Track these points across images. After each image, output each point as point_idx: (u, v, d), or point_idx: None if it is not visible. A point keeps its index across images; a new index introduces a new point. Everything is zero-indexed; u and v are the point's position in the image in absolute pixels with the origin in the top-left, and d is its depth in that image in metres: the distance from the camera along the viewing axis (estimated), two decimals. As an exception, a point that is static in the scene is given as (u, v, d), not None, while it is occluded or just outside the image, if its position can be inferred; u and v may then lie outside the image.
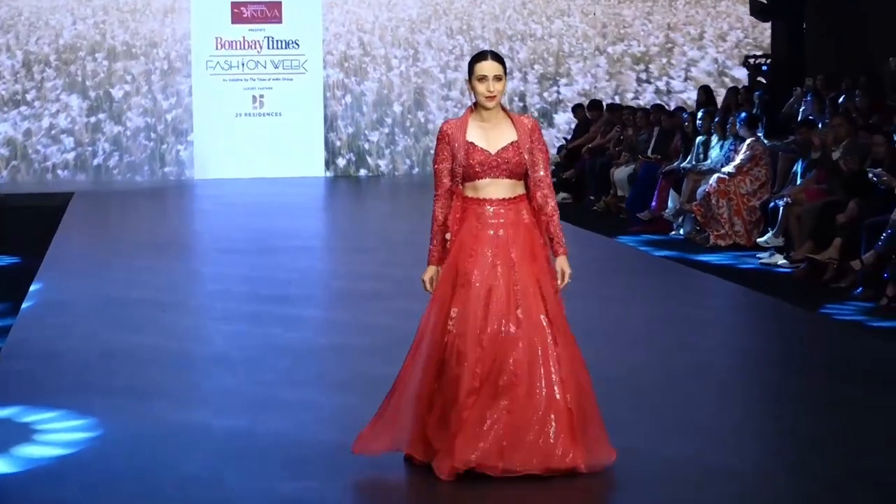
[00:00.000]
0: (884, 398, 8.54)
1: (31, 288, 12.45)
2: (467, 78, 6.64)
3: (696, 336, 10.51)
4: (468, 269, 6.51)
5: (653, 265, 14.07)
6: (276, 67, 24.16)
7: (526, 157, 6.54)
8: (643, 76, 25.78)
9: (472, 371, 6.37)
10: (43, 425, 7.77)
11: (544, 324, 6.44)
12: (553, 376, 6.37)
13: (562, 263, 6.63)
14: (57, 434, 7.58)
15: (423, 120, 24.95)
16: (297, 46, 24.15)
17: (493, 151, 6.53)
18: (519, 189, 6.62)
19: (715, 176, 15.52)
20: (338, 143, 24.66)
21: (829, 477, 6.82)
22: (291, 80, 24.19)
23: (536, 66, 25.62)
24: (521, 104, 25.04)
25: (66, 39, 24.05)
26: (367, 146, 24.79)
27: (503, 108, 6.65)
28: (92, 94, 23.95)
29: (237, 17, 23.93)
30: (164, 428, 7.71)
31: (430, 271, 6.73)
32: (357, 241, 16.49)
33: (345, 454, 7.14)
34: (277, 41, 24.11)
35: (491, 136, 6.57)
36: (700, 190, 15.67)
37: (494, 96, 6.52)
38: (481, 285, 6.46)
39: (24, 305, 11.61)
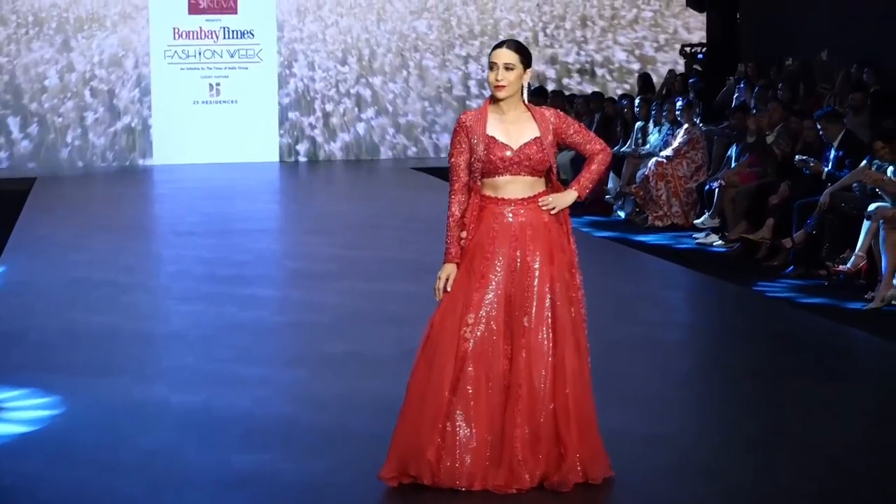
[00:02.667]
0: (811, 368, 8.66)
1: (-5, 270, 12.39)
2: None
3: (636, 311, 10.57)
4: (485, 273, 6.02)
5: (594, 245, 14.10)
6: (232, 56, 24.05)
7: (549, 152, 6.09)
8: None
9: (486, 386, 5.95)
10: (6, 401, 7.74)
11: (545, 333, 6.01)
12: (546, 384, 5.96)
13: (561, 197, 6.15)
14: (21, 410, 7.55)
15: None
16: (251, 36, 24.04)
17: (515, 147, 6.05)
18: (538, 187, 6.15)
19: (654, 160, 15.60)
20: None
21: (761, 440, 6.91)
22: (247, 68, 24.09)
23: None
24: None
25: None
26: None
27: (524, 102, 6.19)
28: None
29: (194, 8, 23.80)
30: (124, 403, 7.70)
31: (449, 269, 6.09)
32: (309, 224, 16.46)
33: (298, 427, 7.16)
34: (233, 31, 24.00)
35: (512, 130, 6.09)
36: (639, 173, 15.75)
37: (503, 86, 6.04)
38: (500, 290, 6.01)
39: (-12, 287, 11.56)
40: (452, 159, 6.16)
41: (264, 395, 7.88)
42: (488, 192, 6.14)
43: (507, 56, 6.08)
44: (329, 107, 24.56)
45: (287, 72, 24.48)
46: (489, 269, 6.06)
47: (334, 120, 24.52)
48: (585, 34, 25.41)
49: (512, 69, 6.07)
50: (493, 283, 6.05)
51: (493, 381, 6.00)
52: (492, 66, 6.11)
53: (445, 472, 5.96)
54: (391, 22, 24.77)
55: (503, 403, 6.00)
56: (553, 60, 25.25)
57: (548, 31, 25.34)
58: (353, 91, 24.56)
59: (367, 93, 24.62)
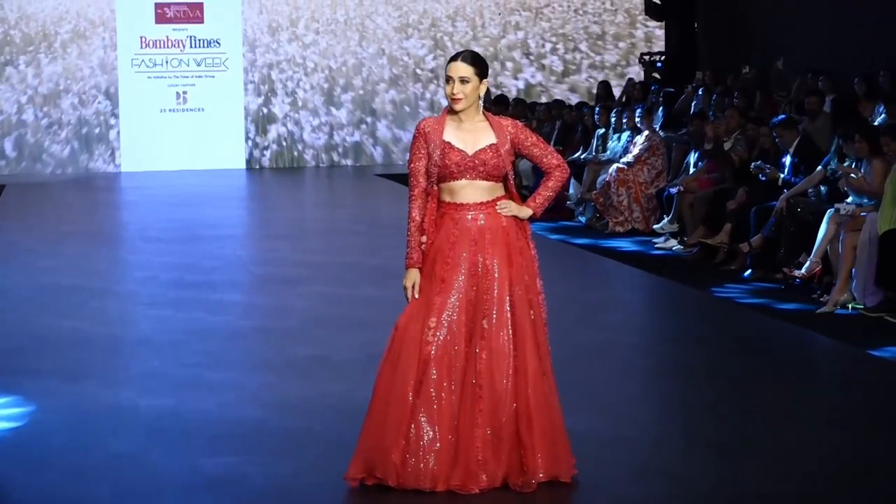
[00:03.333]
0: (768, 370, 8.68)
1: (-36, 276, 12.31)
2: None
3: (596, 316, 10.58)
4: (446, 277, 6.04)
5: (555, 250, 14.12)
6: (199, 65, 24.02)
7: (505, 159, 6.13)
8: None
9: (448, 389, 5.96)
10: (-24, 407, 7.70)
11: (506, 335, 6.04)
12: (507, 385, 5.99)
13: (519, 208, 6.18)
14: (-10, 415, 7.51)
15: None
16: (218, 45, 24.01)
17: (470, 152, 6.09)
18: (497, 191, 6.16)
19: (614, 166, 15.62)
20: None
21: (719, 443, 6.93)
22: (213, 77, 24.06)
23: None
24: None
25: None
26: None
27: (484, 111, 6.20)
28: None
29: (161, 18, 23.77)
30: (93, 408, 7.65)
31: (413, 275, 6.10)
32: (275, 230, 16.43)
33: (265, 430, 7.14)
34: (200, 40, 23.96)
35: (469, 137, 6.12)
36: (600, 179, 15.78)
37: (459, 99, 6.07)
38: (461, 294, 6.02)
39: (-43, 293, 11.48)
40: (412, 165, 6.20)
41: (232, 398, 7.85)
42: (446, 198, 6.17)
43: (462, 69, 6.11)
44: (323, 171, 24.15)
45: (265, 112, 24.25)
46: (450, 274, 6.08)
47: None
48: (604, 58, 24.96)
49: (468, 82, 6.11)
50: (455, 287, 6.06)
51: (455, 383, 6.01)
52: (448, 79, 6.13)
53: (410, 473, 5.97)
54: (377, 42, 24.58)
55: (464, 405, 6.01)
56: (576, 90, 24.73)
57: (558, 52, 24.95)
58: (349, 141, 24.28)
59: (374, 150, 24.27)
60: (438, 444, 5.97)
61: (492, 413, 6.01)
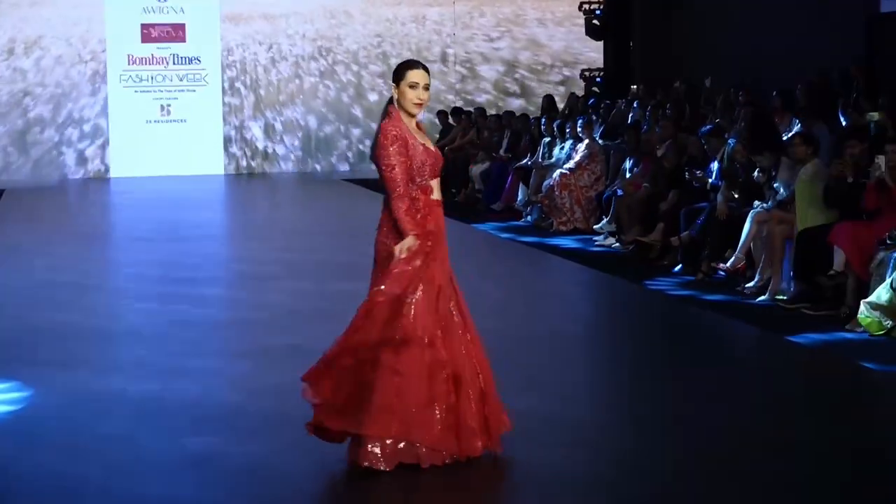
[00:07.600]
0: (695, 355, 8.71)
1: (-33, 273, 12.19)
2: (394, 83, 6.02)
3: (542, 307, 10.60)
4: (429, 265, 5.96)
5: (505, 248, 14.13)
6: (181, 80, 23.90)
7: None
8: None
9: (426, 363, 5.89)
10: (-22, 393, 7.63)
11: (456, 315, 6.06)
12: (469, 362, 6.01)
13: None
14: (-9, 400, 7.44)
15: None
16: (199, 62, 23.90)
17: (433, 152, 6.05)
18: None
19: (558, 171, 15.66)
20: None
21: (655, 423, 6.94)
22: (194, 91, 23.95)
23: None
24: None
25: None
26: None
27: None
28: None
29: (146, 37, 23.64)
30: (84, 393, 7.60)
31: (411, 241, 5.91)
32: (253, 230, 16.36)
33: (244, 413, 7.11)
34: (182, 58, 23.84)
35: (423, 139, 6.04)
36: (545, 183, 15.80)
37: (422, 104, 6.00)
38: (435, 282, 5.97)
39: (-40, 289, 11.37)
40: (394, 170, 5.91)
41: (213, 384, 7.81)
42: (428, 196, 6.04)
43: (426, 77, 6.05)
44: (295, 177, 24.30)
45: (239, 121, 24.18)
46: (433, 264, 6.00)
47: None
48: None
49: (427, 89, 6.05)
50: (434, 278, 5.98)
51: (457, 369, 5.96)
52: (413, 85, 5.99)
53: (446, 443, 5.88)
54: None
55: (463, 384, 5.95)
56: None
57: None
58: (318, 148, 24.21)
59: (341, 157, 24.33)
60: (462, 420, 5.91)
61: (473, 387, 5.97)
